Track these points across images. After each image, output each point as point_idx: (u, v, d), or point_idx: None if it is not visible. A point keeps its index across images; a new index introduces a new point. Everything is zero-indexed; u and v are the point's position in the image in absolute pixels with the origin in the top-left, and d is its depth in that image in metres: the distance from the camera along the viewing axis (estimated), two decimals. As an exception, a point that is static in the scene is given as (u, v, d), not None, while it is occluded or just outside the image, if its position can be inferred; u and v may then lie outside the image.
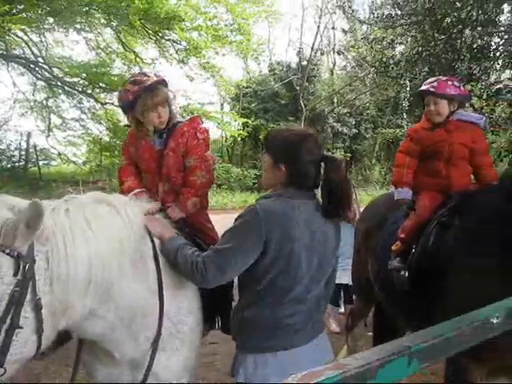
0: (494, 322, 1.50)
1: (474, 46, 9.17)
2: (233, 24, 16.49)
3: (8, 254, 1.82)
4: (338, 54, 22.51)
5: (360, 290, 4.73)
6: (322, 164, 2.44)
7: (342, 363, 1.08)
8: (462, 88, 3.62)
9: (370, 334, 4.87)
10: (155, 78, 2.93)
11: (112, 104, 18.40)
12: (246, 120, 21.40)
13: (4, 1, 13.01)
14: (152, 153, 3.00)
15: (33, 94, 22.07)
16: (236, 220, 2.41)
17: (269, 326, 2.38)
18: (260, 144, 24.64)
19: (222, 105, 28.12)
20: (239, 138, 23.61)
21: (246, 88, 26.07)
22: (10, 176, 17.78)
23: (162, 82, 2.97)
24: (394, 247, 3.56)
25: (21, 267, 1.83)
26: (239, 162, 28.15)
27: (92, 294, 2.06)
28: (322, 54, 27.88)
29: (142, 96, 2.87)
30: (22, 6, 14.68)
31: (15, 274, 1.83)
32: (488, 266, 2.76)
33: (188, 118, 3.15)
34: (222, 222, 3.25)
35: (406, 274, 3.35)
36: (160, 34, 17.00)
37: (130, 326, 2.30)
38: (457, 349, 1.37)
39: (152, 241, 2.41)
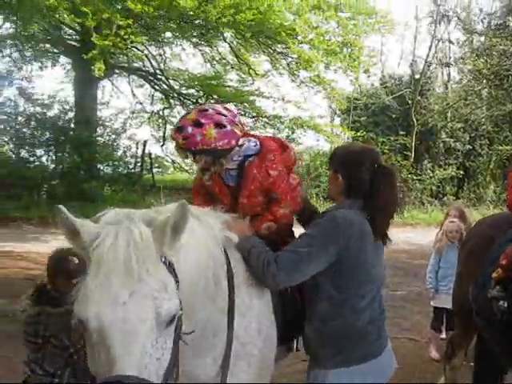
0: None
1: None
2: (344, 41, 16.41)
3: (164, 262, 1.75)
4: (448, 66, 21.44)
5: (460, 316, 4.47)
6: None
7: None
8: None
9: (471, 364, 4.55)
10: (202, 145, 2.68)
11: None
12: (354, 133, 21.12)
13: (126, 15, 13.78)
14: (222, 189, 2.96)
15: (151, 104, 23.28)
16: (313, 226, 2.47)
17: (352, 335, 2.39)
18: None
19: (332, 117, 27.96)
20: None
21: (357, 101, 25.73)
22: (125, 181, 18.75)
23: (205, 151, 2.71)
24: (494, 274, 3.36)
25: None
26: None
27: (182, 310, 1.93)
28: (428, 66, 26.67)
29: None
30: (143, 21, 15.51)
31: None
32: None
33: (257, 148, 2.93)
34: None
35: (505, 305, 3.16)
36: (272, 47, 17.27)
37: (199, 345, 2.22)
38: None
39: (226, 257, 2.37)
